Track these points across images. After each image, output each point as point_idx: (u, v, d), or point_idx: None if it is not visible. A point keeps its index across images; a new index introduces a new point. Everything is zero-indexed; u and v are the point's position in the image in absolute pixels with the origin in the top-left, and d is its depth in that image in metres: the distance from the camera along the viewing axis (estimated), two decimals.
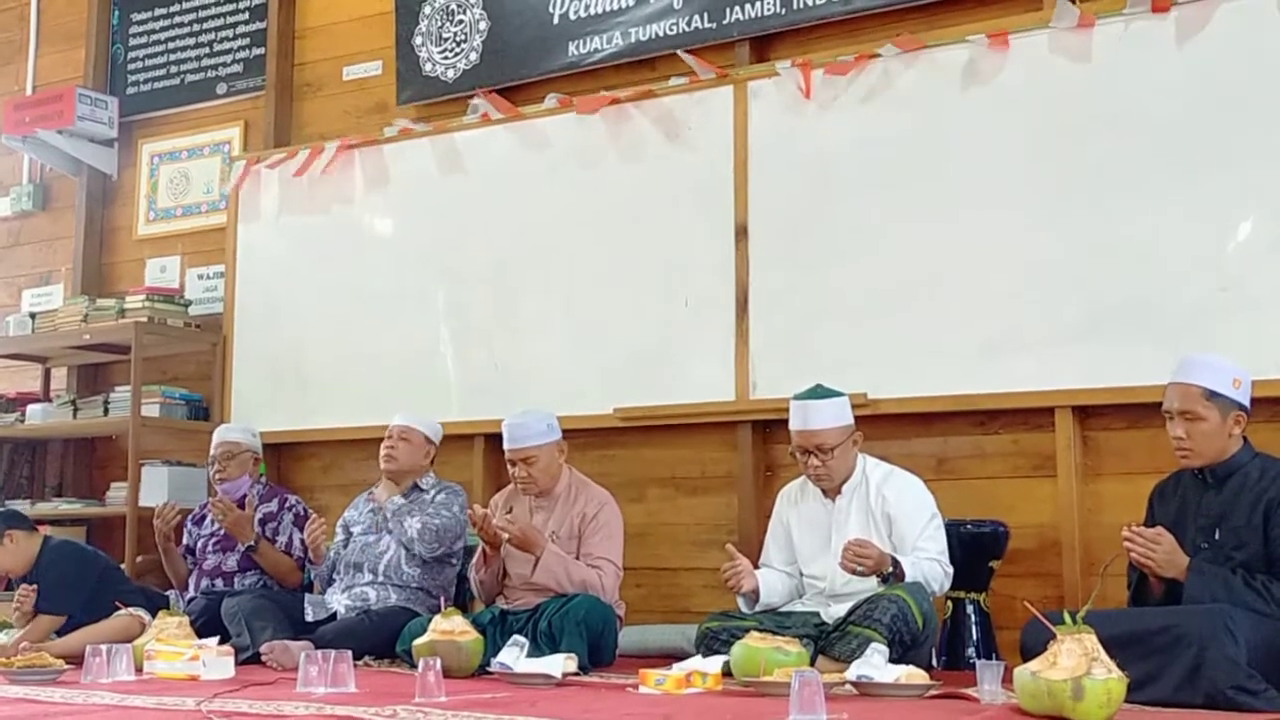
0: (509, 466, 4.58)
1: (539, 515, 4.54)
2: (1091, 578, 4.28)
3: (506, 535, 4.31)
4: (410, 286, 5.81)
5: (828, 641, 3.87)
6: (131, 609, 4.66)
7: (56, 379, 6.89)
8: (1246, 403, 3.55)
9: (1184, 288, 4.31)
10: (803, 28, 5.18)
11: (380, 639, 4.46)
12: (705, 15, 5.33)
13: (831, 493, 4.17)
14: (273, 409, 6.03)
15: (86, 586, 4.79)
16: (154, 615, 4.48)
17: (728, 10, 5.28)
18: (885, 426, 4.69)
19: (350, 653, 3.62)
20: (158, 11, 6.94)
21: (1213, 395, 3.51)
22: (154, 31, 6.93)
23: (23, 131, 6.78)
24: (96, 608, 4.70)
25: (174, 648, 4.04)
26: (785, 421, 4.25)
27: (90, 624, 4.62)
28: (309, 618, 4.69)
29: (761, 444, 5.07)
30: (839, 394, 4.16)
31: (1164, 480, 3.77)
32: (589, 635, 4.15)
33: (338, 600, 4.75)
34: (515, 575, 4.45)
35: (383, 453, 4.93)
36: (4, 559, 4.82)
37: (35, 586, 4.73)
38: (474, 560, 4.57)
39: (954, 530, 4.22)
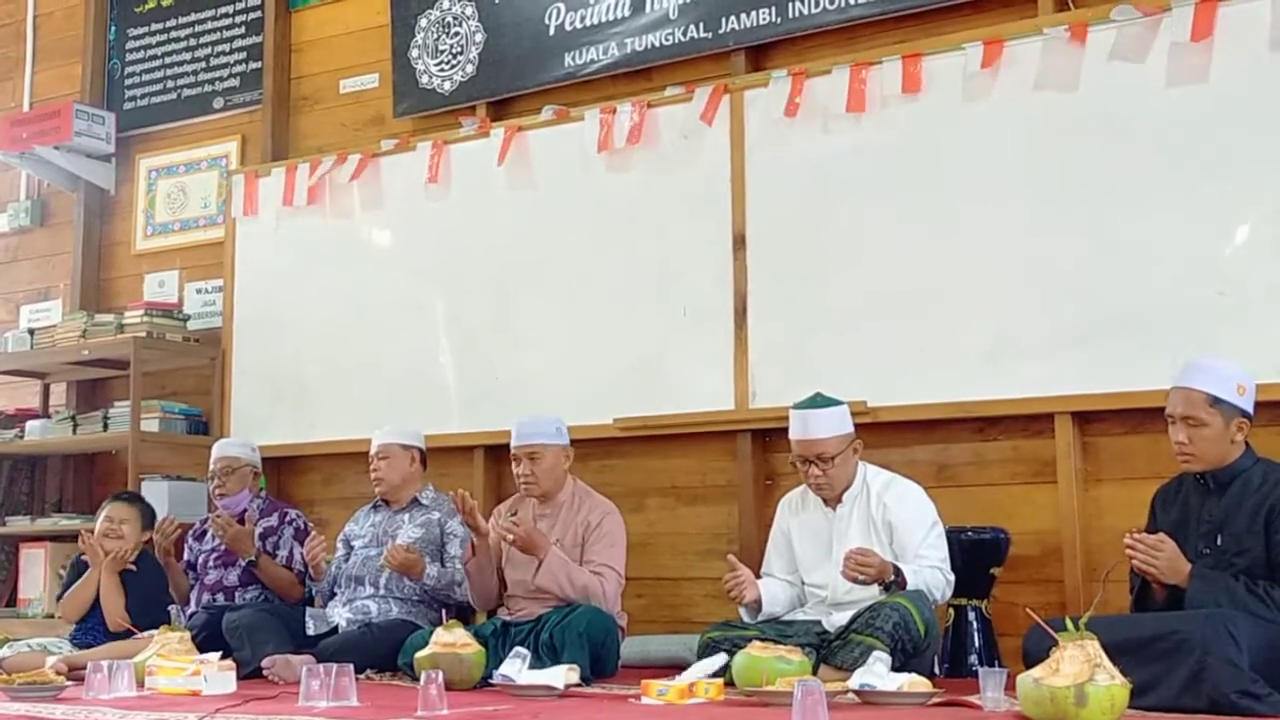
0: (513, 465, 4.58)
1: (543, 523, 4.54)
2: (1093, 584, 4.28)
3: (510, 537, 4.31)
4: (409, 298, 5.81)
5: (830, 650, 3.86)
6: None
7: (55, 394, 6.89)
8: (1250, 408, 3.55)
9: (1182, 292, 4.31)
10: (798, 37, 5.18)
11: (382, 652, 4.45)
12: (701, 25, 5.33)
13: (832, 501, 4.17)
14: (272, 423, 6.03)
15: (161, 615, 4.92)
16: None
17: (723, 20, 5.28)
18: (885, 434, 4.68)
19: (352, 666, 3.61)
20: (154, 27, 6.95)
21: (1216, 401, 3.51)
22: (150, 47, 6.94)
23: (20, 148, 6.79)
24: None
25: (175, 663, 4.03)
26: (785, 430, 4.25)
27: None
28: (310, 631, 4.68)
29: (761, 453, 5.07)
30: (838, 402, 4.15)
31: (1166, 484, 3.77)
32: (591, 646, 4.14)
33: (339, 614, 4.75)
34: (516, 582, 4.45)
35: (371, 479, 4.95)
36: (131, 539, 4.96)
37: None
38: (463, 553, 4.56)
39: (955, 537, 4.22)
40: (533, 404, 5.18)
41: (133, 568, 4.93)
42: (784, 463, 4.85)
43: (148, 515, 5.07)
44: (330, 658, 3.99)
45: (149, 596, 4.92)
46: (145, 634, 4.48)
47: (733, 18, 5.27)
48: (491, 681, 3.92)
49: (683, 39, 5.38)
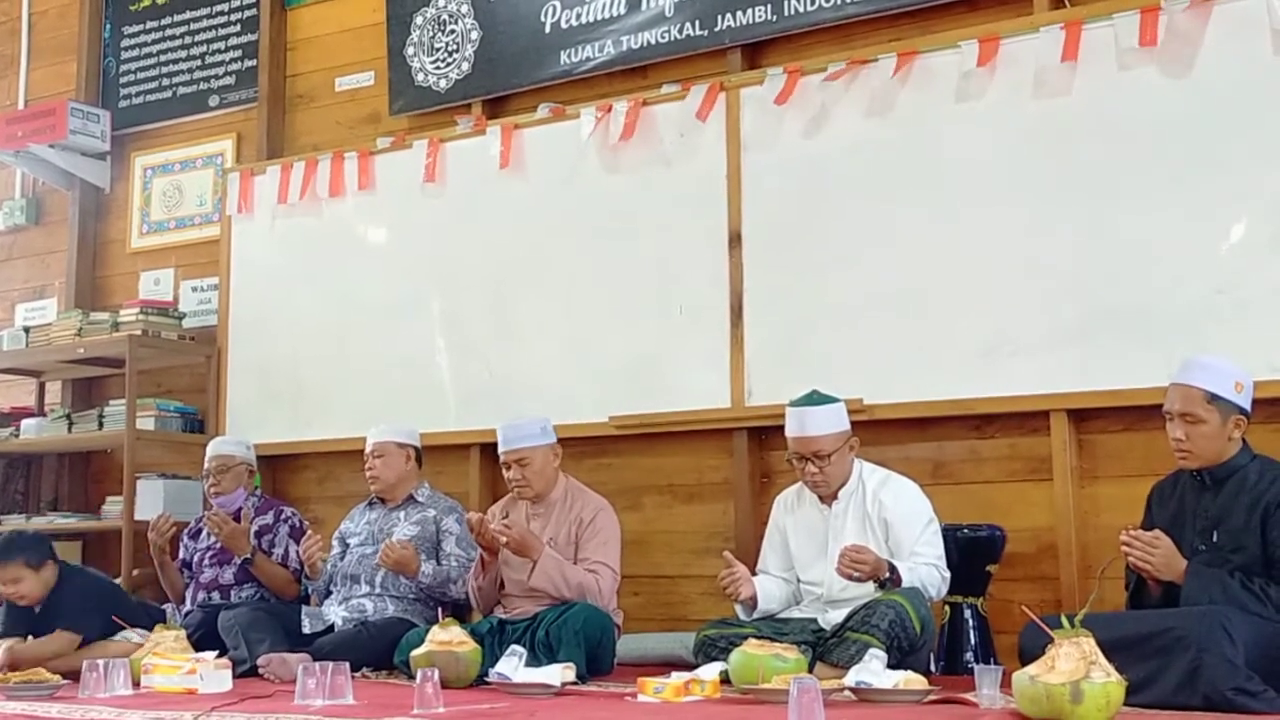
0: (504, 470, 4.59)
1: (536, 522, 4.54)
2: (1089, 581, 4.28)
3: (504, 540, 4.31)
4: (405, 297, 5.81)
5: (826, 648, 3.86)
6: (136, 631, 4.61)
7: (51, 393, 6.89)
8: (1247, 406, 3.55)
9: (1179, 290, 4.31)
10: (794, 34, 5.18)
11: (378, 650, 4.45)
12: (697, 23, 5.33)
13: (828, 499, 4.16)
14: (267, 421, 6.02)
15: (108, 614, 4.61)
16: (150, 629, 4.46)
17: (719, 18, 5.28)
18: (881, 432, 4.68)
19: (348, 664, 3.61)
20: (149, 25, 6.94)
21: (1214, 398, 3.51)
22: (145, 45, 6.93)
23: (15, 146, 6.78)
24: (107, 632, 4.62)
25: (171, 661, 4.03)
26: (781, 428, 4.24)
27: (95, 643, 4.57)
28: (306, 630, 4.67)
29: (758, 451, 5.07)
30: (835, 400, 4.15)
31: (1162, 480, 3.77)
32: (587, 644, 4.14)
33: (335, 612, 4.75)
34: (512, 582, 4.45)
35: (366, 477, 4.95)
36: (33, 588, 4.54)
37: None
38: (472, 569, 4.57)
39: (951, 535, 4.22)
40: (529, 402, 5.18)
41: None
42: (780, 460, 4.84)
43: (33, 550, 4.59)
44: (326, 656, 3.98)
45: (81, 607, 4.57)
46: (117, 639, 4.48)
47: (728, 15, 5.26)
48: (487, 679, 3.92)
49: (678, 37, 5.37)
